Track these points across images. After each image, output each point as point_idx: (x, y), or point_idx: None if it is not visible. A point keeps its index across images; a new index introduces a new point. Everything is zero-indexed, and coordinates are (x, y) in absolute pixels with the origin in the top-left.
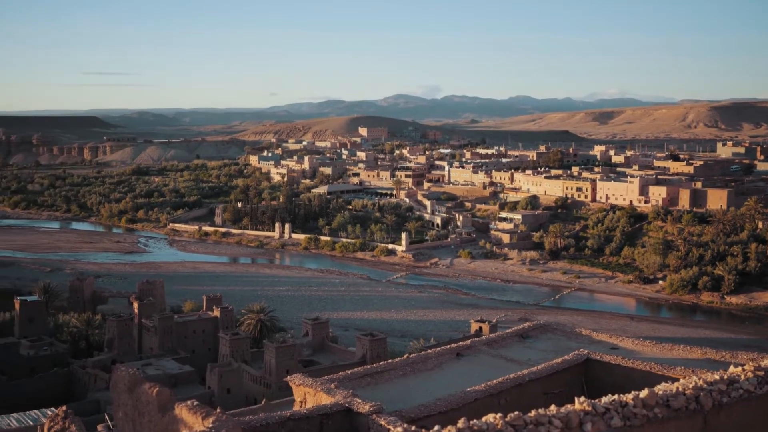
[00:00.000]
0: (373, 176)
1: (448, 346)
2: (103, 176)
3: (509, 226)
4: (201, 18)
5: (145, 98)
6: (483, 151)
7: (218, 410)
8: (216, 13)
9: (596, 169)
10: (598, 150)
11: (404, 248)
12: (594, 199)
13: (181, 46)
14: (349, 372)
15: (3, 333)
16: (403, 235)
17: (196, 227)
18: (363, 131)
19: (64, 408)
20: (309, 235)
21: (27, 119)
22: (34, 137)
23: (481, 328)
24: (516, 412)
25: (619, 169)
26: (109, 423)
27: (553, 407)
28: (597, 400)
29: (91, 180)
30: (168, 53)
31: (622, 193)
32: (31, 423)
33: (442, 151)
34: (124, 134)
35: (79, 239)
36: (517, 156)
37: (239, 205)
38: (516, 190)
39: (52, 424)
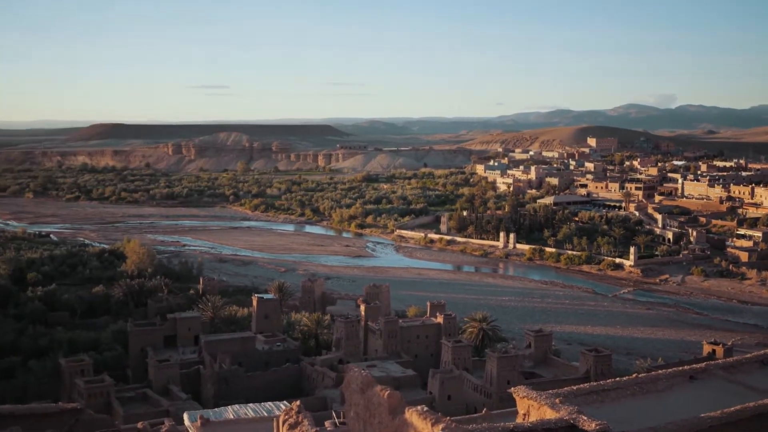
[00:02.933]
0: (602, 188)
1: (680, 368)
2: (336, 182)
3: (748, 243)
4: (430, 32)
5: (377, 108)
6: (720, 164)
7: (447, 418)
8: (441, 28)
9: None
10: None
11: (632, 263)
12: None
13: (410, 59)
14: (574, 388)
15: (241, 327)
16: (632, 249)
17: (422, 234)
18: (592, 141)
19: (298, 403)
20: (533, 246)
21: (268, 127)
22: (273, 144)
23: (714, 350)
24: None
25: None
26: (337, 420)
27: None
28: None
29: (325, 185)
30: (398, 65)
31: None
32: (266, 414)
33: (676, 163)
34: (356, 142)
35: (311, 242)
36: (758, 169)
37: (465, 213)
38: (756, 205)
39: (286, 417)
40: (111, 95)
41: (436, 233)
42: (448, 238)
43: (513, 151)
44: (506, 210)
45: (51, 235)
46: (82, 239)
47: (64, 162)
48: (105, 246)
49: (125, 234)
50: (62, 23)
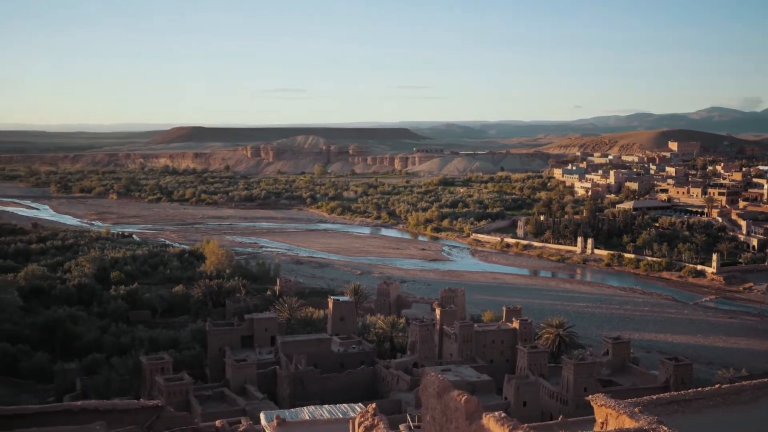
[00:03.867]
0: (683, 193)
1: (766, 380)
2: (412, 186)
3: None
4: (508, 34)
5: (454, 111)
6: None
7: (525, 425)
8: (519, 30)
9: None
10: None
11: (715, 270)
12: None
13: (488, 61)
14: (654, 397)
15: (317, 329)
16: (714, 256)
17: (498, 238)
18: (673, 146)
19: (373, 405)
20: (612, 252)
21: (345, 130)
22: (350, 147)
23: None
24: None
25: None
26: (411, 424)
27: None
28: None
29: (401, 189)
30: (476, 67)
31: None
32: (341, 416)
33: (761, 168)
34: (433, 146)
35: (387, 245)
36: None
37: (542, 218)
38: None
39: (362, 419)
40: (192, 99)
41: (512, 237)
42: (525, 242)
43: (591, 155)
44: (584, 215)
45: (133, 236)
46: (163, 240)
47: (146, 164)
48: (185, 246)
49: (205, 235)
50: (148, 26)
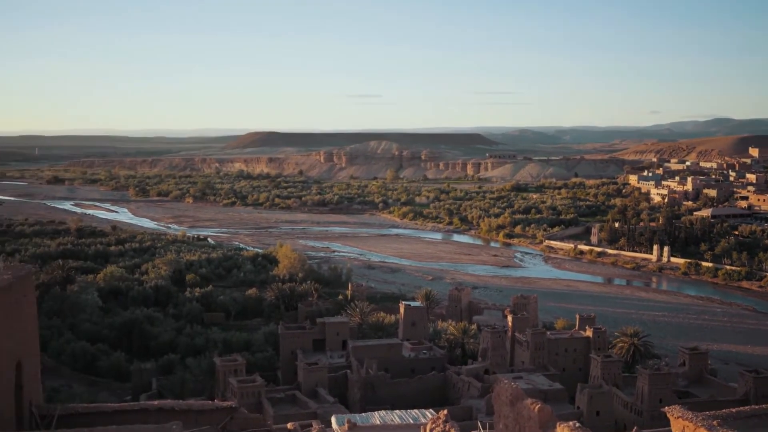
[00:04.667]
0: (764, 200)
1: None
2: (484, 191)
3: None
4: (582, 38)
5: (527, 116)
6: None
7: None
8: (594, 33)
9: None
10: None
11: None
12: None
13: (562, 65)
14: (733, 410)
15: (388, 334)
16: None
17: (572, 245)
18: (754, 152)
19: (445, 412)
20: (689, 260)
21: (417, 136)
22: (423, 153)
23: None
24: None
25: None
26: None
27: None
28: None
29: (473, 194)
30: (550, 72)
31: None
32: (412, 421)
33: None
34: (506, 151)
35: (459, 251)
36: None
37: (616, 225)
38: None
39: (433, 426)
40: (267, 104)
41: (586, 244)
42: (599, 249)
43: (668, 161)
44: (660, 222)
45: (208, 239)
46: (237, 243)
47: (221, 168)
48: (258, 250)
49: (278, 239)
50: (225, 34)
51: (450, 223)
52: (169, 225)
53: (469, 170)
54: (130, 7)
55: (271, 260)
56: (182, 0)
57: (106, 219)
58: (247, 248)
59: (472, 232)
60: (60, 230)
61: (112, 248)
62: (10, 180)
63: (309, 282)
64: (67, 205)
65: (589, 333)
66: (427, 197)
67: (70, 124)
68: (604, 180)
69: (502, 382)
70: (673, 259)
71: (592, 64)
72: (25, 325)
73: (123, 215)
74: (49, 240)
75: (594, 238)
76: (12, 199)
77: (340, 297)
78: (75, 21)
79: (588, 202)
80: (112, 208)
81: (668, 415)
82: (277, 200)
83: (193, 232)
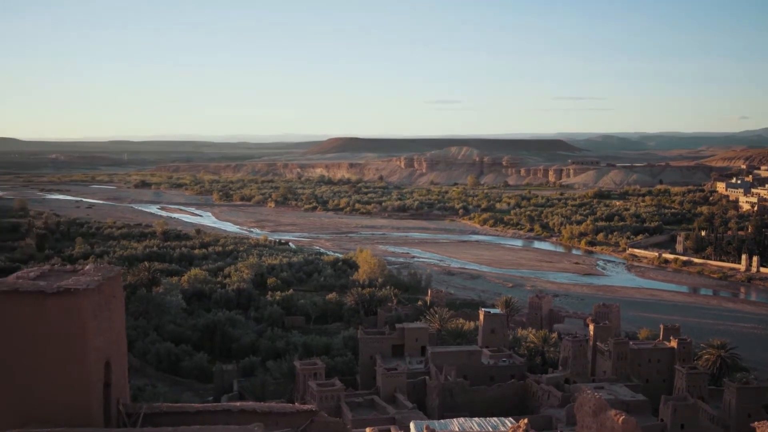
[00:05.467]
0: None
1: None
2: (566, 198)
3: None
4: (667, 41)
5: (611, 122)
6: None
7: None
8: (678, 36)
9: None
10: None
11: None
12: None
13: (645, 72)
14: None
15: (467, 341)
16: None
17: (656, 254)
18: None
19: (525, 420)
20: None
21: (498, 142)
22: (504, 159)
23: None
24: None
25: None
26: None
27: None
28: None
29: (555, 201)
30: (634, 78)
31: None
32: (491, 429)
33: None
34: (588, 157)
35: (539, 258)
36: None
37: (703, 233)
38: None
39: None
40: (348, 110)
41: (670, 253)
42: (684, 258)
43: (758, 168)
44: (749, 231)
45: (290, 243)
46: (317, 248)
47: (303, 174)
48: (339, 255)
49: (358, 244)
50: (303, 38)
51: (531, 230)
52: (252, 229)
53: (551, 177)
54: (218, 16)
55: (351, 265)
56: (267, 8)
57: (191, 223)
58: (328, 253)
59: (554, 239)
60: (146, 233)
61: (196, 251)
62: (99, 184)
63: (388, 287)
64: (154, 209)
65: (673, 344)
66: (508, 204)
67: (157, 129)
68: (690, 187)
69: (586, 392)
70: (762, 269)
71: (679, 68)
72: (114, 325)
73: (207, 219)
74: (135, 243)
75: (679, 247)
76: (101, 202)
77: (420, 303)
78: (168, 29)
79: (673, 210)
80: (197, 211)
81: (758, 431)
82: (357, 205)
83: (275, 237)
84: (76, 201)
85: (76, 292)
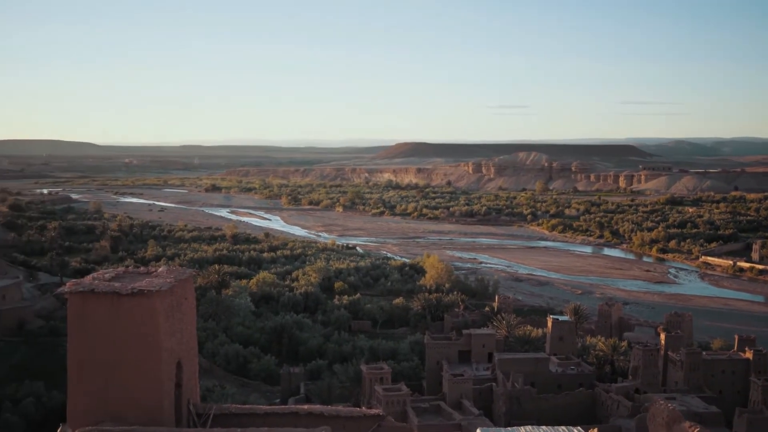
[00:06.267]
0: None
1: None
2: (637, 204)
3: None
4: (739, 48)
5: (684, 127)
6: None
7: None
8: (752, 36)
9: None
10: None
11: None
12: None
13: (720, 76)
14: None
15: (535, 348)
16: None
17: (731, 262)
18: None
19: (595, 430)
20: None
21: (567, 147)
22: (573, 164)
23: None
24: None
25: None
26: None
27: None
28: None
29: (625, 207)
30: (706, 82)
31: None
32: None
33: None
34: (660, 163)
35: (609, 265)
36: None
37: None
38: None
39: None
40: (416, 116)
41: (746, 261)
42: (761, 267)
43: None
44: None
45: (357, 248)
46: (385, 252)
47: (371, 178)
48: (406, 260)
49: (425, 249)
50: (370, 46)
51: (600, 237)
52: (320, 233)
53: (621, 182)
54: (290, 25)
55: (418, 270)
56: (334, 17)
57: (260, 226)
58: (395, 258)
59: (624, 246)
60: (216, 236)
61: (265, 255)
62: (171, 187)
63: (455, 293)
64: (224, 213)
65: (748, 355)
66: (577, 210)
67: (228, 134)
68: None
69: (658, 403)
70: None
71: (755, 71)
72: (185, 326)
73: (275, 223)
74: (206, 246)
75: (755, 255)
76: (173, 206)
77: (487, 309)
78: (241, 36)
79: (749, 217)
80: (266, 215)
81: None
82: (425, 210)
83: (342, 241)
84: (149, 204)
85: (149, 294)
